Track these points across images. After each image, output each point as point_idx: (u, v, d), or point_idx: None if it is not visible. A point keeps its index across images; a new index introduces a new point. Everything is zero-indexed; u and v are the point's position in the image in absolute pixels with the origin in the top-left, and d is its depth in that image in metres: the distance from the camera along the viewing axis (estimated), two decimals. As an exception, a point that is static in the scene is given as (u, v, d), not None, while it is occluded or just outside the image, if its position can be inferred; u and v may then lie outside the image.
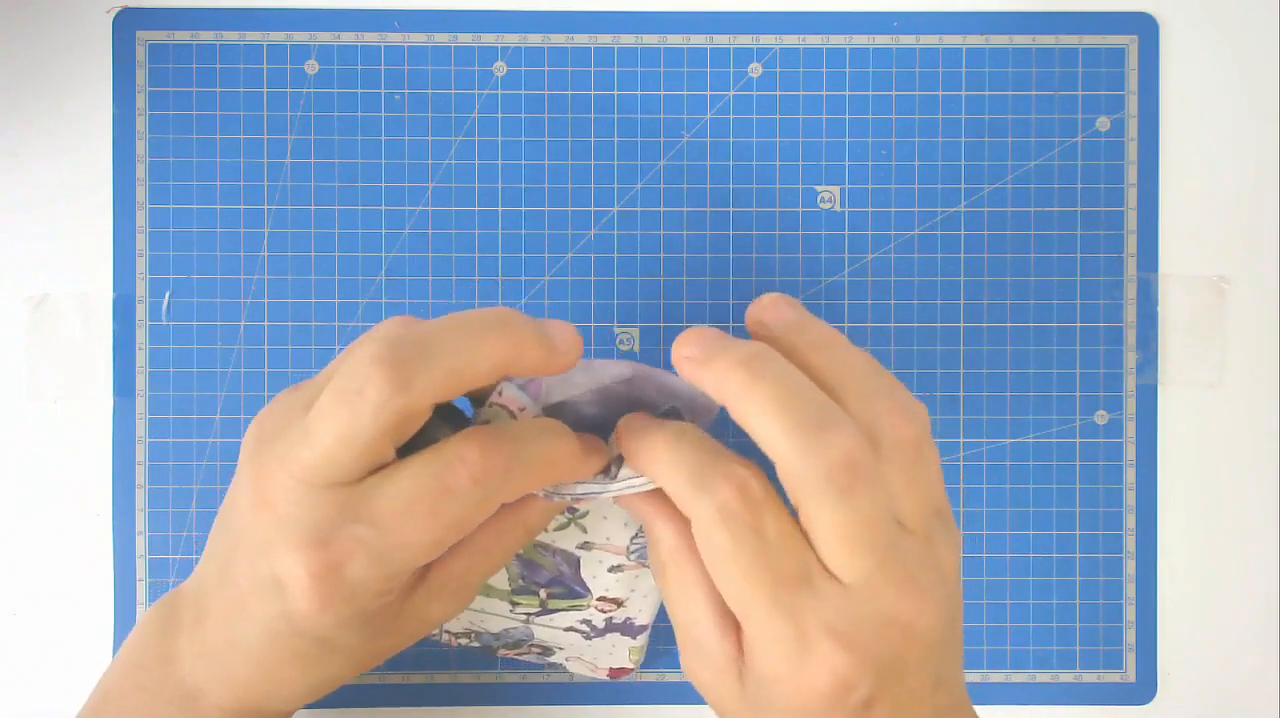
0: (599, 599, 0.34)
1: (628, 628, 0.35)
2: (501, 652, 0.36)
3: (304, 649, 0.29)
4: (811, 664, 0.26)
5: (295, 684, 0.30)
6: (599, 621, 0.35)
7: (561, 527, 0.33)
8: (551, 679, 0.40)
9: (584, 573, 0.33)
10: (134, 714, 0.30)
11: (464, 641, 0.36)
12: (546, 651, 0.36)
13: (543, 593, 0.34)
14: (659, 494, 0.29)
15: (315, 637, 0.28)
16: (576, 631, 0.35)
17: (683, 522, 0.28)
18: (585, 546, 0.33)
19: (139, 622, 0.33)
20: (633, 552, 0.33)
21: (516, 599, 0.34)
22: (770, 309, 0.29)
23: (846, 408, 0.26)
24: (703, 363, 0.27)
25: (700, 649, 0.28)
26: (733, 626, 0.28)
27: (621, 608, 0.34)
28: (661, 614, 0.38)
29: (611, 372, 0.31)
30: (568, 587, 0.34)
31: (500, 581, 0.34)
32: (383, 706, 0.40)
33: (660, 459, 0.27)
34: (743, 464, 0.27)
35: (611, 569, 0.33)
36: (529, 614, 0.34)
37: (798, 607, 0.26)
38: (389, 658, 0.32)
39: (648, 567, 0.33)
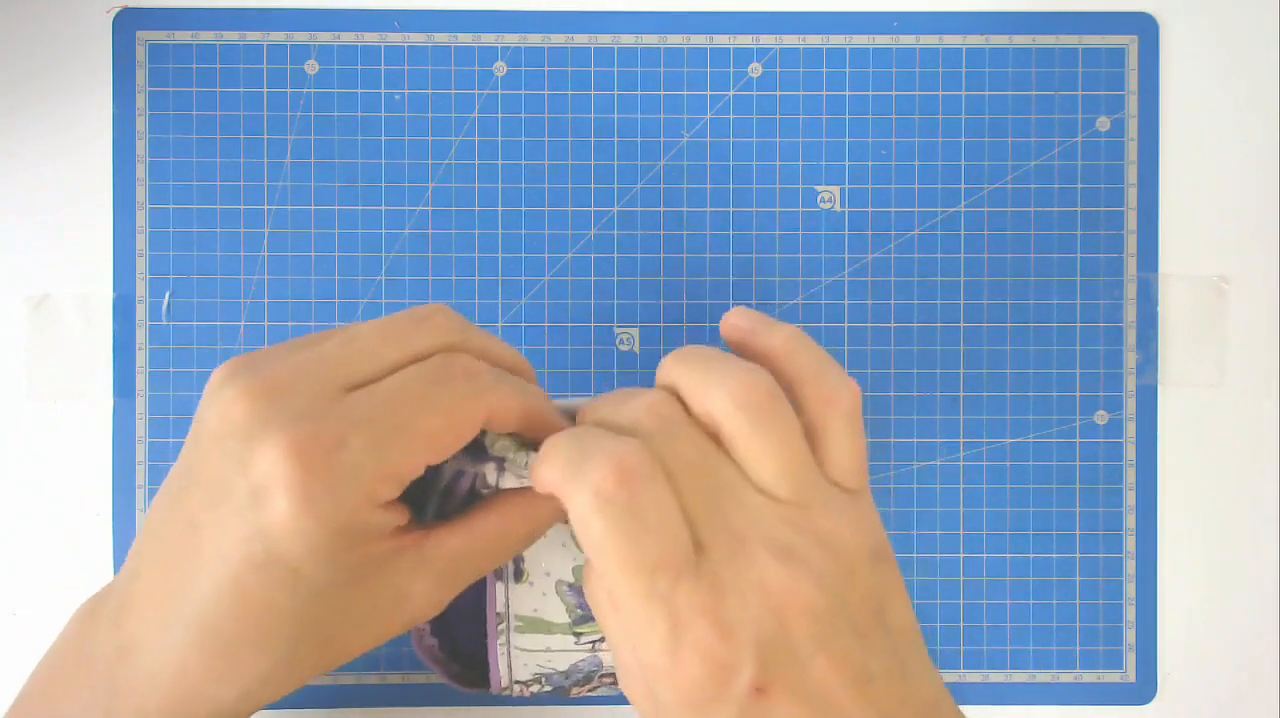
0: None
1: None
2: (574, 691, 0.35)
3: (270, 593, 0.25)
4: (683, 650, 0.24)
5: (245, 664, 0.26)
6: None
7: None
8: (551, 679, 0.40)
9: None
10: None
11: (535, 687, 0.34)
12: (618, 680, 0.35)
13: None
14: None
15: (287, 563, 0.25)
16: None
17: None
18: None
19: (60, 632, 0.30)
20: None
21: (579, 629, 0.32)
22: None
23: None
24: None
25: (625, 663, 0.27)
26: None
27: None
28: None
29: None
30: None
31: (559, 615, 0.32)
32: (382, 706, 0.40)
33: (542, 458, 0.26)
34: (626, 440, 0.25)
35: None
36: (594, 642, 0.33)
37: (673, 593, 0.24)
38: (357, 655, 0.28)
39: None
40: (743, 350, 0.29)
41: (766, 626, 0.24)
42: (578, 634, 0.33)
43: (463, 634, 0.35)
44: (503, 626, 0.31)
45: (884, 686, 0.25)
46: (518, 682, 0.34)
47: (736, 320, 0.29)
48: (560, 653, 0.33)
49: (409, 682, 0.40)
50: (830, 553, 0.26)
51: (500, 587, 0.31)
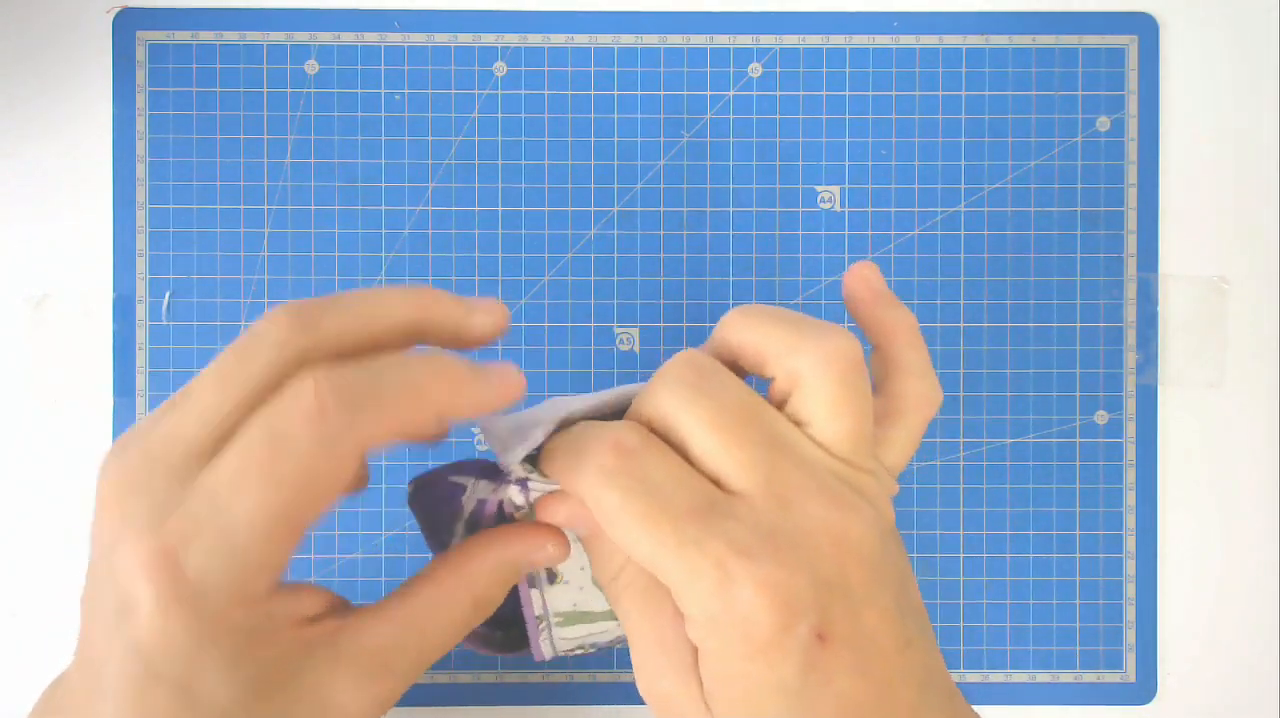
0: None
1: None
2: (619, 646, 0.34)
3: (164, 707, 0.22)
4: (738, 591, 0.23)
5: None
6: None
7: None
8: (551, 679, 0.40)
9: None
10: None
11: (579, 651, 0.33)
12: None
13: None
14: (575, 503, 0.27)
15: (173, 679, 0.22)
16: None
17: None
18: None
19: None
20: None
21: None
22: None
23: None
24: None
25: (660, 657, 0.26)
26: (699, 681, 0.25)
27: None
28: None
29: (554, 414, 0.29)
30: None
31: (599, 604, 0.31)
32: (383, 706, 0.40)
33: (547, 459, 0.26)
34: (616, 424, 0.26)
35: None
36: None
37: (705, 535, 0.24)
38: None
39: None
40: (861, 310, 0.29)
41: (826, 567, 0.24)
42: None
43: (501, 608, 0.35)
44: (543, 624, 0.31)
45: (919, 653, 0.25)
46: (561, 653, 0.33)
47: (870, 276, 0.29)
48: (603, 633, 0.32)
49: (417, 681, 0.40)
50: (879, 516, 0.26)
51: (535, 593, 0.31)
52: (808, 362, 0.26)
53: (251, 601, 0.23)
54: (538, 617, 0.31)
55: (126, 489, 0.23)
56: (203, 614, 0.22)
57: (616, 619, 0.32)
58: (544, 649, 0.32)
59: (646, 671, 0.26)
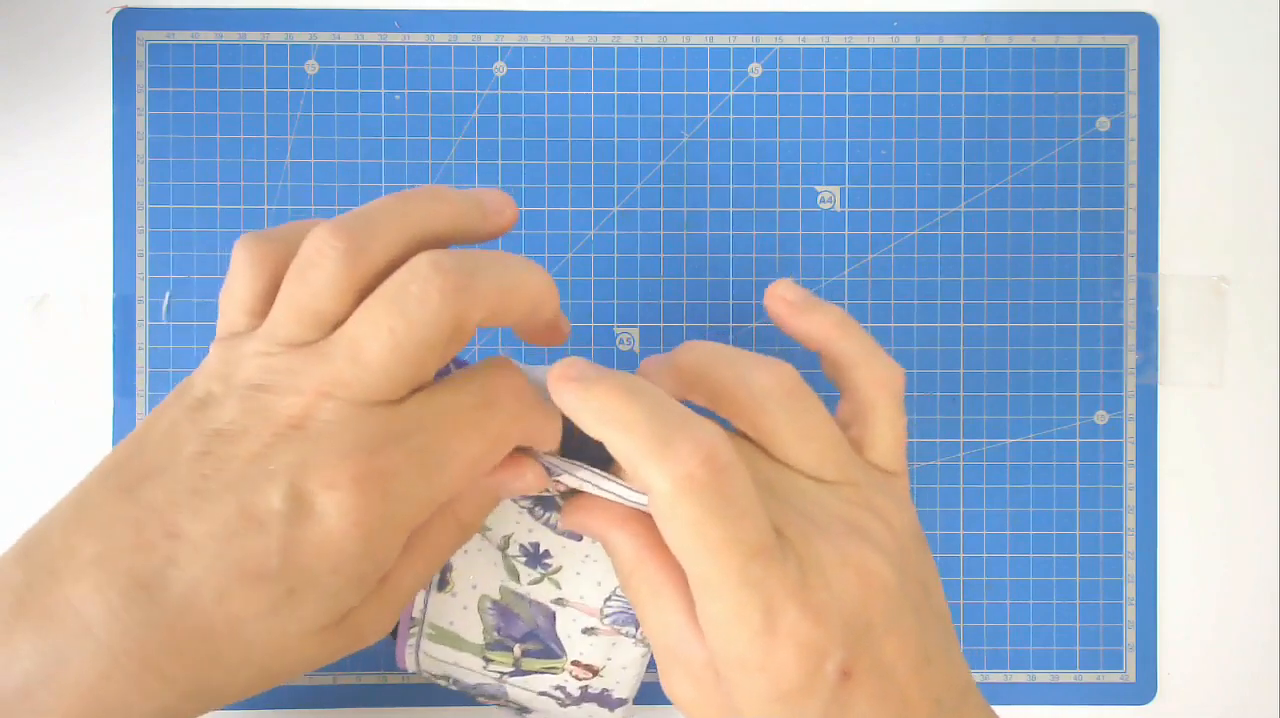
0: (574, 664, 0.32)
1: (605, 700, 0.33)
2: (480, 699, 0.35)
3: (251, 609, 0.23)
4: (778, 637, 0.23)
5: (175, 679, 0.23)
6: (574, 688, 0.32)
7: (535, 581, 0.31)
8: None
9: (559, 630, 0.31)
10: None
11: (443, 682, 0.34)
12: (523, 709, 0.34)
13: (517, 650, 0.32)
14: (610, 507, 0.27)
15: (287, 587, 0.23)
16: (550, 696, 0.33)
17: (639, 524, 0.27)
18: (559, 602, 0.31)
19: None
20: (607, 616, 0.31)
21: (490, 656, 0.32)
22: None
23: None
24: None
25: (678, 659, 0.26)
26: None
27: (598, 677, 0.32)
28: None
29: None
30: (544, 643, 0.32)
31: (474, 633, 0.31)
32: (380, 706, 0.40)
33: (613, 417, 0.24)
34: (706, 424, 0.25)
35: (585, 632, 0.31)
36: (502, 673, 0.32)
37: (766, 578, 0.23)
38: (284, 679, 0.26)
39: (625, 635, 0.31)
40: (787, 324, 0.29)
41: (851, 605, 0.24)
42: (487, 660, 0.32)
43: None
44: (415, 629, 0.31)
45: (938, 668, 0.25)
46: (428, 671, 0.33)
47: (785, 293, 0.29)
48: (468, 673, 0.32)
49: (409, 682, 0.40)
50: (890, 530, 0.26)
51: (421, 593, 0.30)
52: (754, 401, 0.26)
53: (409, 532, 0.25)
54: (413, 619, 0.31)
55: (313, 419, 0.24)
56: (381, 536, 0.24)
57: (483, 661, 0.31)
58: (408, 660, 0.32)
59: (667, 677, 0.27)
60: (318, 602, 0.24)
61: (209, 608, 0.23)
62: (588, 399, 0.25)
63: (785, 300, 0.29)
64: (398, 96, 0.40)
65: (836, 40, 0.41)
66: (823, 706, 0.24)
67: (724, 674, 0.25)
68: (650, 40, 0.41)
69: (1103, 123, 0.41)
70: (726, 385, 0.27)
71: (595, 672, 0.32)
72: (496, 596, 0.31)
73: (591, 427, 0.25)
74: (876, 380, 0.28)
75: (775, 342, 0.40)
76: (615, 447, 0.24)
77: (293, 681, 0.26)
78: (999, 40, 0.41)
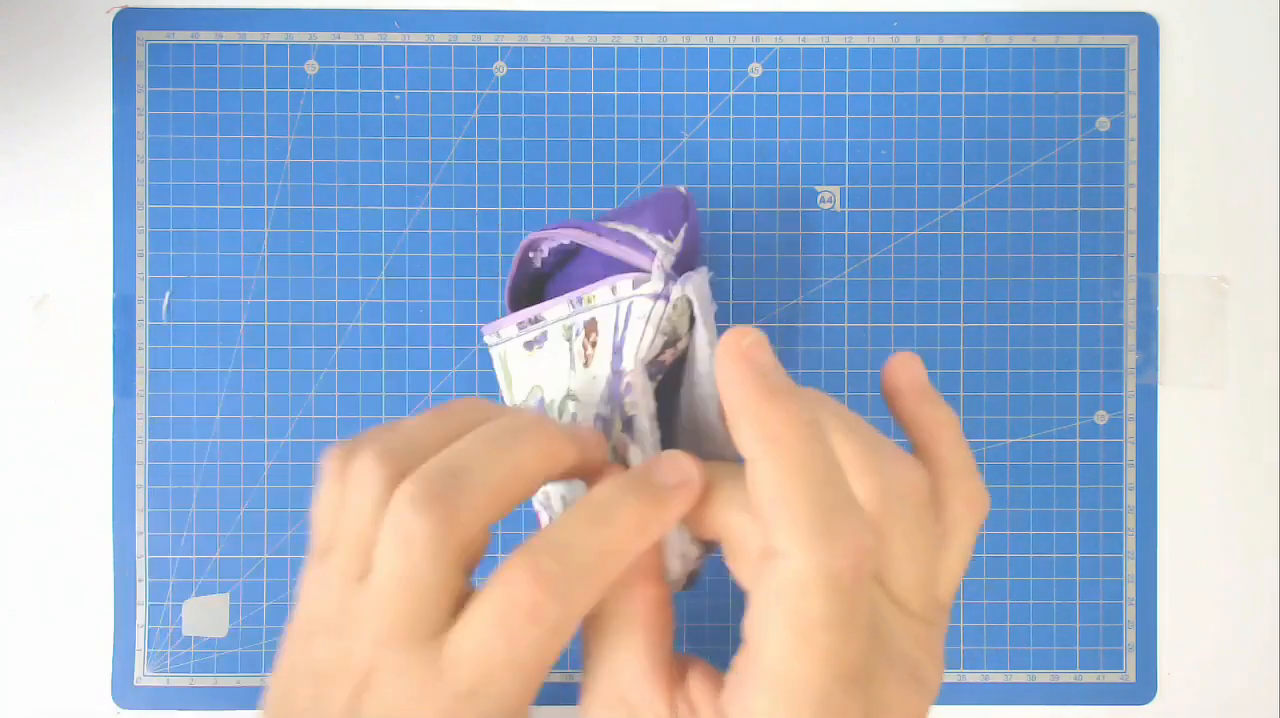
0: None
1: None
2: None
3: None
4: None
5: None
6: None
7: None
8: (551, 679, 0.40)
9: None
10: None
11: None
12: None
13: None
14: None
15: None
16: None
17: (656, 590, 0.25)
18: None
19: None
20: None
21: None
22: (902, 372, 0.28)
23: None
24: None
25: (623, 702, 0.25)
26: (669, 684, 0.25)
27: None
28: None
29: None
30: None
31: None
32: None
33: (782, 458, 0.22)
34: (868, 523, 0.22)
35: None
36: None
37: (844, 711, 0.22)
38: None
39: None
40: (902, 404, 0.27)
41: None
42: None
43: None
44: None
45: None
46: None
47: (913, 367, 0.27)
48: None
49: (409, 682, 0.40)
50: (938, 679, 0.25)
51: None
52: (883, 494, 0.24)
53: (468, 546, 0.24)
54: None
55: (375, 673, 0.23)
56: (458, 544, 0.24)
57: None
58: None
59: None
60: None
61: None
62: (763, 414, 0.23)
63: (911, 378, 0.27)
64: (398, 96, 0.40)
65: (836, 40, 0.41)
66: None
67: None
68: (650, 40, 0.41)
69: (1103, 123, 0.41)
70: (859, 465, 0.24)
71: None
72: None
73: (745, 437, 0.23)
74: (969, 498, 0.26)
75: (777, 342, 0.40)
76: (764, 485, 0.22)
77: None
78: (999, 40, 0.41)
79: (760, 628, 0.22)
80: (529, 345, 0.33)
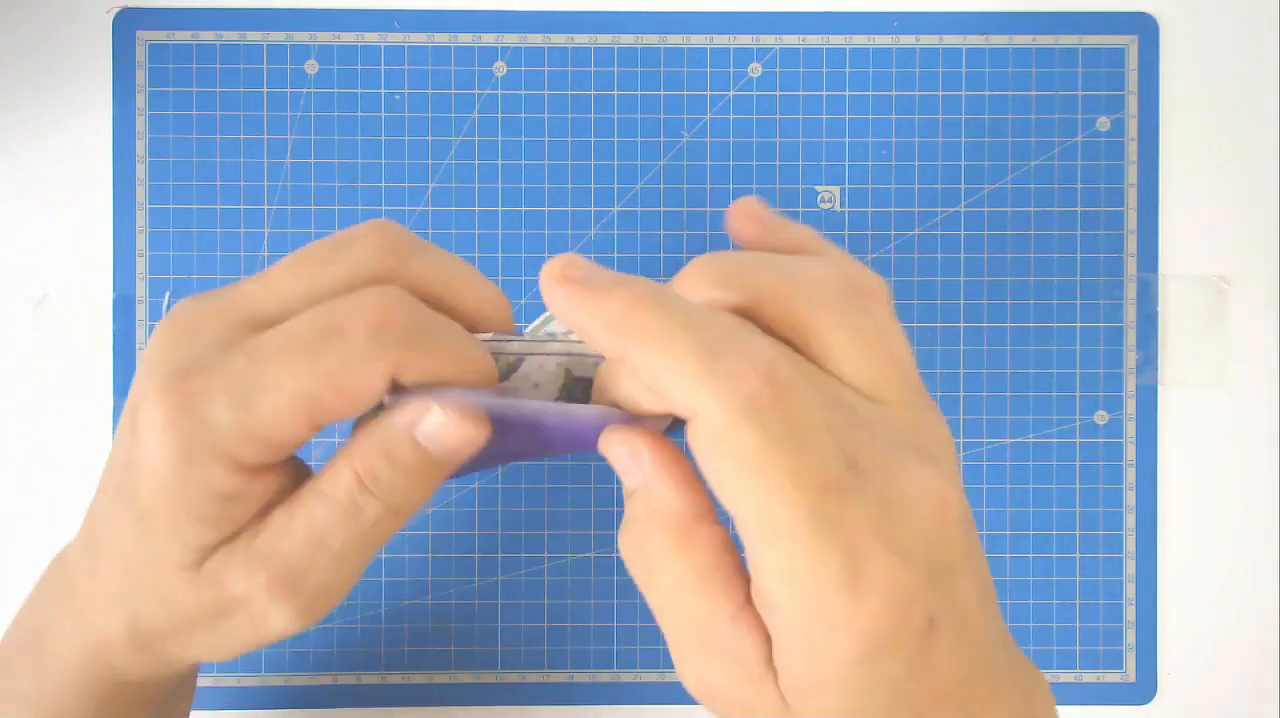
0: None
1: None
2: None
3: (117, 532, 0.24)
4: (863, 584, 0.20)
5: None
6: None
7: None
8: (551, 680, 0.40)
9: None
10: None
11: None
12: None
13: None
14: (659, 442, 0.22)
15: (137, 511, 0.23)
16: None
17: (690, 486, 0.22)
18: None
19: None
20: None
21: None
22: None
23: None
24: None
25: (717, 650, 0.22)
26: (753, 611, 0.22)
27: None
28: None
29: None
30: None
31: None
32: (381, 706, 0.40)
33: (638, 330, 0.20)
34: (757, 334, 0.21)
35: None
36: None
37: (843, 516, 0.20)
38: (188, 663, 0.26)
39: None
40: (757, 244, 0.25)
41: (934, 543, 0.21)
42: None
43: None
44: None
45: (993, 603, 0.23)
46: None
47: (755, 210, 0.25)
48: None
49: (409, 682, 0.40)
50: (950, 453, 0.23)
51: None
52: (808, 303, 0.22)
53: (235, 469, 0.22)
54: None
55: (180, 330, 0.23)
56: (189, 463, 0.22)
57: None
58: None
59: (699, 668, 0.22)
60: (164, 529, 0.23)
61: (107, 538, 0.24)
62: (600, 310, 0.21)
63: (757, 219, 0.25)
64: (398, 96, 0.40)
65: (836, 40, 0.41)
66: (908, 662, 0.20)
67: (789, 644, 0.21)
68: (650, 40, 0.41)
69: (1103, 123, 0.41)
70: (767, 284, 0.22)
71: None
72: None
73: (604, 342, 0.21)
74: (866, 283, 0.24)
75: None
76: (645, 368, 0.20)
77: (217, 656, 0.25)
78: (999, 40, 0.41)
79: (727, 495, 0.20)
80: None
